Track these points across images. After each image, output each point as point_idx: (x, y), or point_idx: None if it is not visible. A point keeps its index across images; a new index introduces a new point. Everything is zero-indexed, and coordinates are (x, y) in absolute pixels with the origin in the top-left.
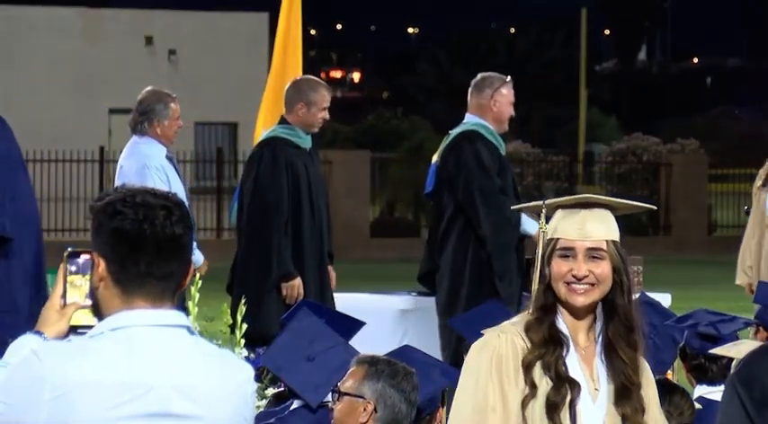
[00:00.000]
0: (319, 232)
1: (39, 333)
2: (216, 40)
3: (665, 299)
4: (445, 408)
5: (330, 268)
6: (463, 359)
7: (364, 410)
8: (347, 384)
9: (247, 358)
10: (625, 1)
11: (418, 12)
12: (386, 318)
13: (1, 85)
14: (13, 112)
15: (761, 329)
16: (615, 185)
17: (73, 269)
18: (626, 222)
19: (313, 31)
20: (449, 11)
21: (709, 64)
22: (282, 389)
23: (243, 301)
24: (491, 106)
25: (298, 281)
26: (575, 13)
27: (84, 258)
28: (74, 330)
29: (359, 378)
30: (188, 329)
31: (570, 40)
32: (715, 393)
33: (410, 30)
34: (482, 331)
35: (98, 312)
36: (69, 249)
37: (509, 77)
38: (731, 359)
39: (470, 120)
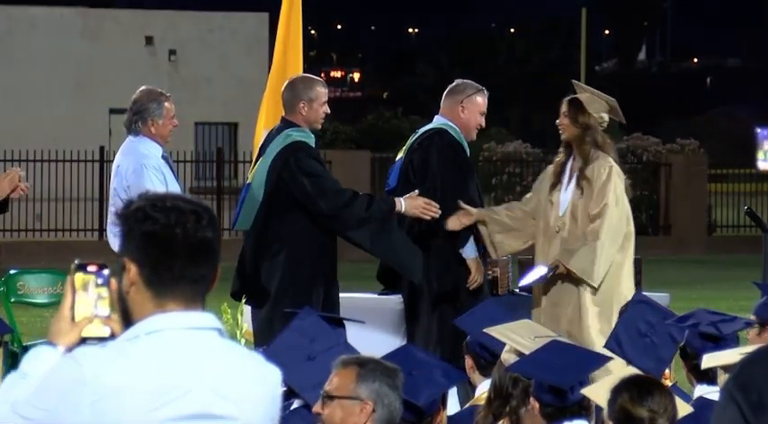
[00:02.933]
0: (327, 233)
1: (51, 344)
2: (216, 40)
3: (664, 299)
4: (446, 410)
5: None
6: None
7: (362, 411)
8: (338, 388)
9: None
10: (625, 1)
11: (418, 12)
12: (386, 318)
13: (1, 85)
14: (13, 112)
15: (767, 327)
16: None
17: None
18: None
19: (313, 31)
20: (449, 11)
21: (709, 64)
22: (284, 389)
23: (243, 300)
24: (459, 112)
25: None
26: (575, 13)
27: (91, 268)
28: (83, 341)
29: (351, 380)
30: (219, 331)
31: (570, 40)
32: (714, 393)
33: (410, 30)
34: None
35: (127, 316)
36: (77, 261)
37: (484, 89)
38: None
39: (439, 121)
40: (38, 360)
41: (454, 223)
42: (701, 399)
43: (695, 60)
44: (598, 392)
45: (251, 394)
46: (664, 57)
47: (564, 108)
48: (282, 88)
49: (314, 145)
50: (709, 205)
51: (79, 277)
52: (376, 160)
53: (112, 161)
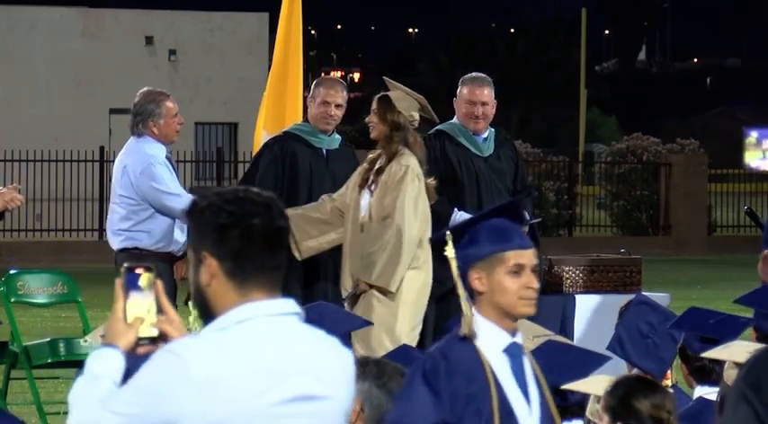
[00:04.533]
0: None
1: (111, 345)
2: (216, 40)
3: (664, 299)
4: None
5: None
6: None
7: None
8: None
9: None
10: (625, 1)
11: (418, 12)
12: None
13: (1, 85)
14: (13, 112)
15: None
16: (615, 185)
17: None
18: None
19: (313, 31)
20: (449, 11)
21: (709, 64)
22: None
23: None
24: (455, 106)
25: None
26: (575, 13)
27: (138, 272)
28: (137, 342)
29: None
30: (299, 315)
31: (570, 40)
32: (714, 393)
33: (410, 30)
34: None
35: (207, 309)
36: (125, 264)
37: (475, 74)
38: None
39: (451, 120)
40: (103, 360)
41: None
42: (700, 399)
43: (695, 60)
44: (589, 384)
45: (337, 374)
46: (664, 57)
47: (374, 105)
48: None
49: (319, 145)
50: (709, 205)
51: (145, 277)
52: None
53: (112, 161)
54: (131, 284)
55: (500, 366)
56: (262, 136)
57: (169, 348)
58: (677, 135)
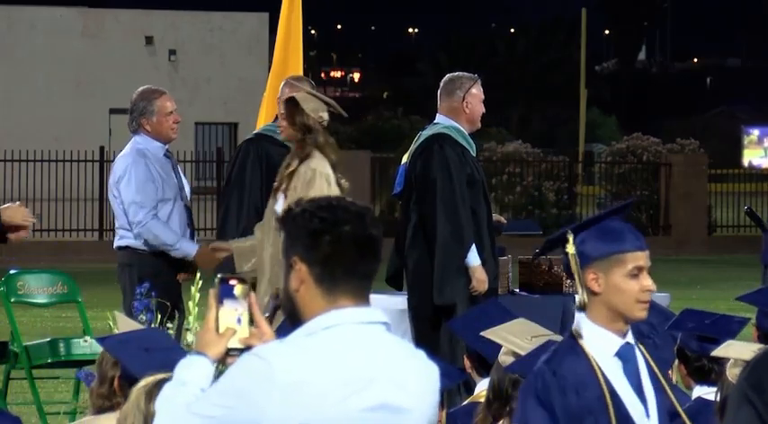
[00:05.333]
0: None
1: (202, 354)
2: (216, 40)
3: (664, 299)
4: (445, 410)
5: None
6: (460, 361)
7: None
8: None
9: None
10: (625, 1)
11: (418, 12)
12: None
13: (1, 85)
14: (14, 112)
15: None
16: (615, 185)
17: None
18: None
19: (313, 31)
20: (449, 11)
21: (709, 64)
22: None
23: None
24: (464, 108)
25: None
26: (575, 13)
27: (232, 283)
28: (227, 352)
29: None
30: (386, 325)
31: (570, 40)
32: (713, 394)
33: (410, 30)
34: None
35: (296, 315)
36: (220, 275)
37: (476, 76)
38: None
39: (442, 122)
40: (192, 368)
41: (209, 259)
42: (699, 399)
43: (695, 60)
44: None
45: (421, 387)
46: (664, 57)
47: (280, 109)
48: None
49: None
50: (709, 205)
51: (239, 288)
52: (376, 160)
53: (112, 161)
54: (225, 294)
55: (613, 372)
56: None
57: (255, 351)
58: (677, 135)
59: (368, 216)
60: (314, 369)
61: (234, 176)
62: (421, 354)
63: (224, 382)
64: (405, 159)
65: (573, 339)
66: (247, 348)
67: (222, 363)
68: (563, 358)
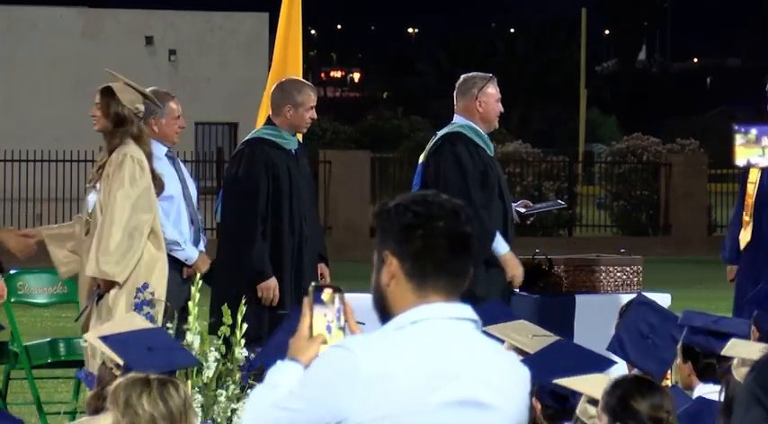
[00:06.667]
0: (299, 232)
1: (294, 360)
2: (216, 40)
3: (665, 299)
4: None
5: (322, 266)
6: None
7: None
8: None
9: (247, 358)
10: (625, 1)
11: (418, 12)
12: None
13: (1, 85)
14: (14, 112)
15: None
16: (615, 185)
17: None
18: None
19: (313, 31)
20: (449, 11)
21: (709, 64)
22: None
23: (243, 301)
24: (477, 107)
25: (273, 282)
26: (575, 13)
27: (327, 292)
28: None
29: None
30: (475, 322)
31: (570, 40)
32: (715, 393)
33: (410, 30)
34: None
35: (386, 309)
36: (313, 283)
37: (490, 75)
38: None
39: (458, 122)
40: (284, 373)
41: (23, 247)
42: (700, 399)
43: (695, 60)
44: (585, 382)
45: (509, 386)
46: (664, 57)
47: (96, 98)
48: (273, 88)
49: (290, 146)
50: (709, 205)
51: (327, 294)
52: (376, 160)
53: None
54: (317, 302)
55: None
56: (246, 137)
57: (341, 343)
58: (677, 135)
59: (462, 213)
60: (399, 362)
61: (241, 182)
62: (510, 354)
63: (308, 374)
64: (421, 158)
65: None
66: None
67: None
68: None
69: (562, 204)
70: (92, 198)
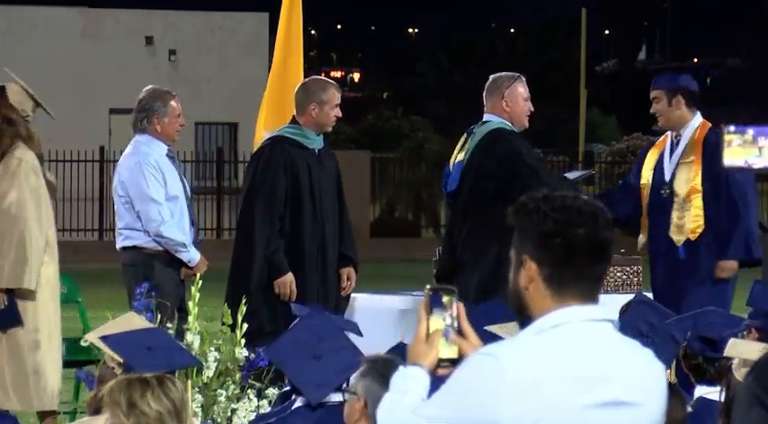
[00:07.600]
0: (321, 232)
1: (416, 364)
2: (216, 40)
3: None
4: None
5: (350, 270)
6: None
7: (355, 406)
8: (350, 383)
9: (247, 358)
10: (625, 1)
11: (418, 12)
12: (386, 318)
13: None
14: None
15: (752, 330)
16: (615, 185)
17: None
18: None
19: (313, 31)
20: (449, 11)
21: (709, 64)
22: (287, 389)
23: (243, 300)
24: (504, 108)
25: (289, 278)
26: (575, 13)
27: (446, 295)
28: (438, 362)
29: (356, 376)
30: (613, 323)
31: (570, 40)
32: (714, 393)
33: (410, 30)
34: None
35: (524, 311)
36: (429, 286)
37: (518, 74)
38: (729, 359)
39: (493, 120)
40: (411, 379)
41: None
42: (700, 399)
43: (695, 60)
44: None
45: (650, 384)
46: (664, 57)
47: None
48: (296, 88)
49: (314, 146)
50: None
51: (446, 298)
52: (376, 160)
53: (112, 161)
54: (433, 305)
55: None
56: (262, 136)
57: (486, 350)
58: None
59: (601, 217)
60: (545, 367)
61: (258, 180)
62: (648, 351)
63: (451, 382)
64: (460, 157)
65: None
66: (459, 358)
67: (434, 373)
68: None
69: (593, 171)
70: None
